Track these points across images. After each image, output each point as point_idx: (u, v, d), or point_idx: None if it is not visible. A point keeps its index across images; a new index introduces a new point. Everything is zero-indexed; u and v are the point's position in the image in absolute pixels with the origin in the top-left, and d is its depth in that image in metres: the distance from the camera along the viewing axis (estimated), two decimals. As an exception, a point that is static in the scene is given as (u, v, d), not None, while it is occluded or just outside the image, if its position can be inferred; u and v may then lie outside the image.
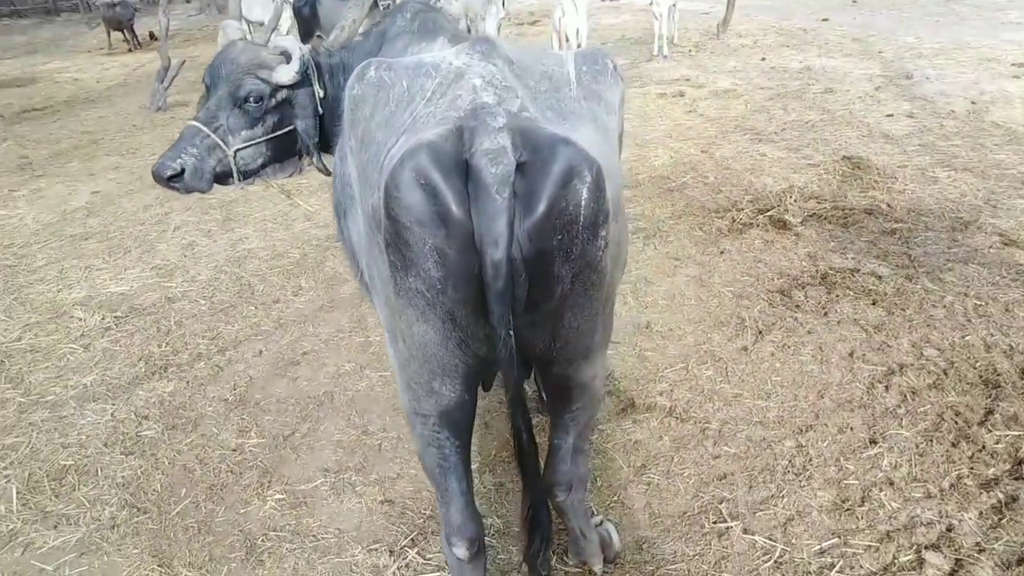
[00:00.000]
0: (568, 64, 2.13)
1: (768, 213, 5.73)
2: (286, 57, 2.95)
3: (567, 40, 10.36)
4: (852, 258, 4.95)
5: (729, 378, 3.83)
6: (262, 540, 3.03)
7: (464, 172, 1.70)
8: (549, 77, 2.04)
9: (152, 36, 18.92)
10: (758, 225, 5.58)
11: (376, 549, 2.94)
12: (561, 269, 1.82)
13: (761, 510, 2.99)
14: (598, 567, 2.71)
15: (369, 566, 2.87)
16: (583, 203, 1.75)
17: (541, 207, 1.71)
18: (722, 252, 5.24)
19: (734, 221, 5.67)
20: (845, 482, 3.09)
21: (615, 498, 3.13)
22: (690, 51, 12.46)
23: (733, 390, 3.73)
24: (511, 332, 1.76)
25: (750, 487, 3.12)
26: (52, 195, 7.44)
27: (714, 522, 2.95)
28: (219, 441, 3.64)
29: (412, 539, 2.98)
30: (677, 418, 3.55)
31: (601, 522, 2.91)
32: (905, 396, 3.55)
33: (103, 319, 4.82)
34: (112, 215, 6.73)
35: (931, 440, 3.26)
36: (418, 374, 2.00)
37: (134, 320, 4.81)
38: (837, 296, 4.50)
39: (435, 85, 1.96)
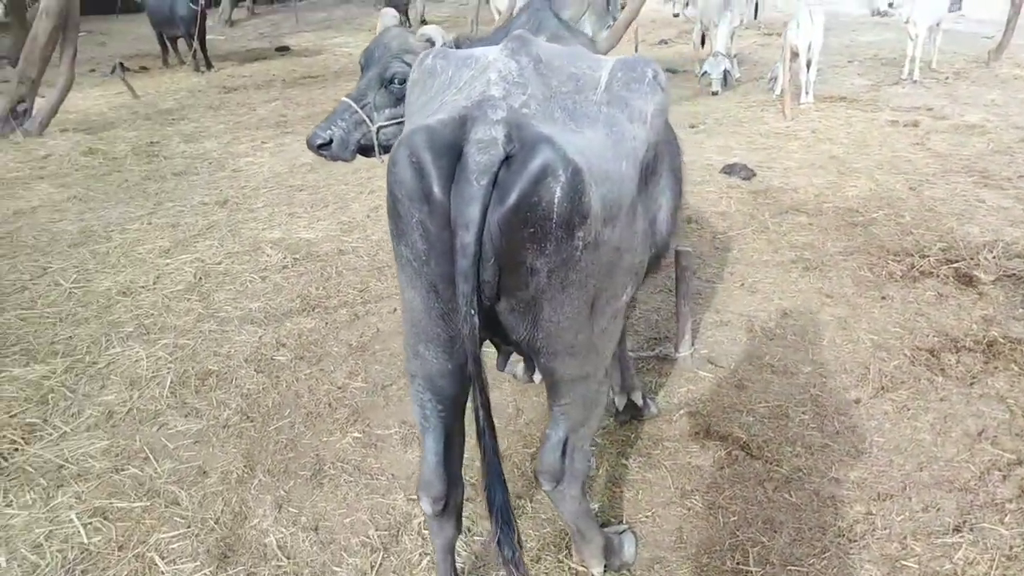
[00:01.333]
0: (602, 69, 2.19)
1: (956, 264, 5.10)
2: (430, 43, 3.26)
3: (795, 56, 9.80)
4: (1038, 331, 4.29)
5: (824, 427, 3.57)
6: (329, 467, 3.43)
7: (456, 157, 1.87)
8: (576, 79, 2.12)
9: (423, 21, 20.80)
10: (938, 276, 5.00)
11: (415, 499, 3.21)
12: (535, 262, 1.92)
13: (793, 566, 2.81)
14: (596, 570, 2.74)
15: (403, 513, 3.15)
16: (555, 201, 1.84)
17: (511, 199, 1.83)
18: (883, 298, 4.80)
19: (912, 267, 5.14)
20: (903, 562, 2.80)
21: (649, 514, 3.10)
22: (947, 78, 11.15)
23: (822, 440, 3.48)
24: (474, 311, 1.90)
25: (793, 541, 2.93)
26: (290, 150, 8.62)
27: (737, 563, 2.83)
28: (331, 378, 4.13)
29: (448, 500, 3.20)
30: (748, 454, 3.40)
31: (624, 531, 2.93)
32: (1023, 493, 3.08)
33: (284, 258, 5.60)
34: (326, 173, 7.66)
35: (1029, 545, 2.82)
36: (408, 336, 2.21)
37: (307, 263, 5.54)
38: (995, 368, 3.95)
39: (468, 76, 2.14)
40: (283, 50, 17.98)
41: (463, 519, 2.58)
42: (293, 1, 26.00)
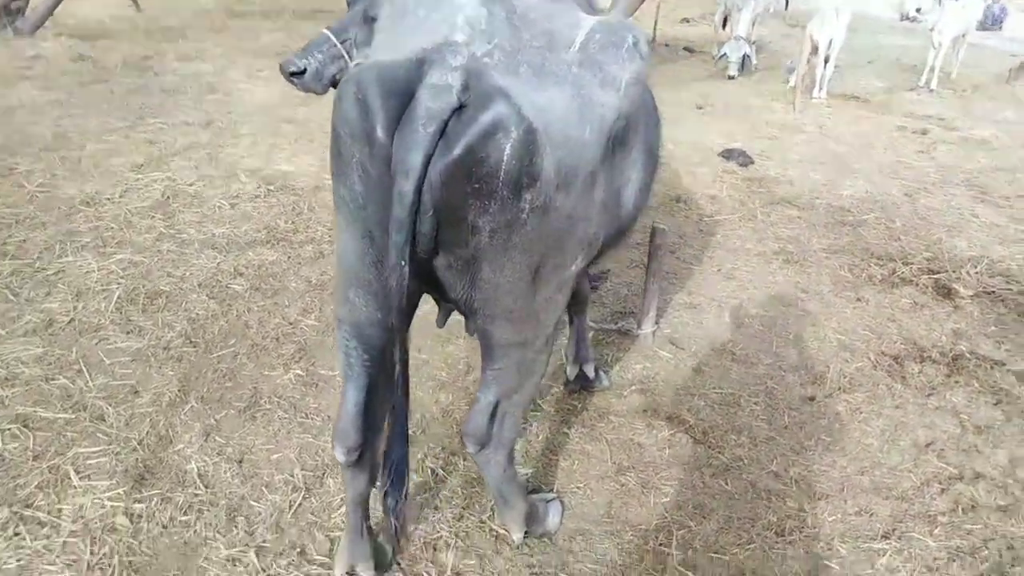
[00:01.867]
0: (581, 28, 2.04)
1: (937, 275, 5.00)
2: None
3: (815, 51, 9.57)
4: (1006, 351, 4.21)
5: (773, 420, 3.50)
6: (265, 401, 3.34)
7: (406, 100, 1.74)
8: (550, 35, 1.98)
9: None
10: (918, 284, 4.90)
11: (346, 444, 3.13)
12: (476, 219, 1.81)
13: (716, 553, 2.75)
14: (516, 536, 2.67)
15: (332, 455, 3.06)
16: (504, 159, 1.72)
17: (456, 151, 1.71)
18: (858, 299, 4.70)
19: (893, 272, 5.04)
20: (827, 563, 2.74)
21: (581, 485, 3.03)
22: (964, 91, 10.94)
23: (769, 432, 3.41)
24: (403, 262, 1.79)
25: (720, 529, 2.86)
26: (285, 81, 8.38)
27: (660, 544, 2.77)
28: (284, 312, 4.03)
29: (379, 448, 3.13)
30: (692, 438, 3.33)
31: (552, 499, 2.86)
32: (958, 508, 3.02)
33: (258, 187, 5.45)
34: (319, 108, 7.46)
35: (956, 561, 2.76)
36: (339, 280, 2.10)
37: (280, 195, 5.39)
38: (956, 382, 3.87)
39: (437, 16, 1.98)
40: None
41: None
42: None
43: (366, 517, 2.46)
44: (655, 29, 12.84)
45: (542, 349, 2.23)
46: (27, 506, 2.68)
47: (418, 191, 1.72)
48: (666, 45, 13.07)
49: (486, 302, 2.01)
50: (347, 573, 2.47)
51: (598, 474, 3.10)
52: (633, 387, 3.67)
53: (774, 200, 6.22)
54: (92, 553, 2.53)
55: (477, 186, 1.74)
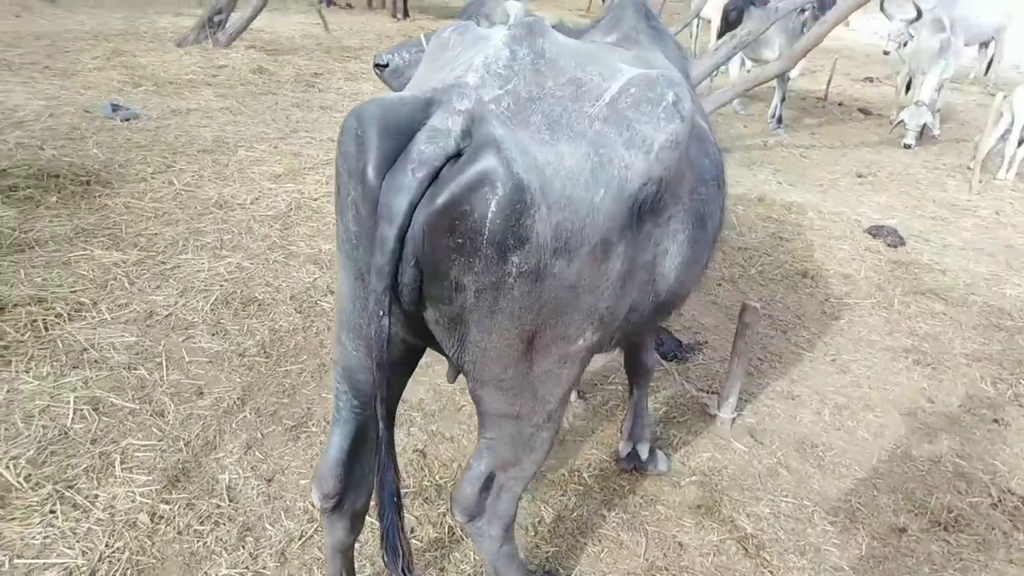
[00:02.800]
0: (616, 80, 1.88)
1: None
2: (505, 13, 3.12)
3: (1011, 126, 8.55)
4: None
5: (846, 549, 3.05)
6: (314, 424, 3.38)
7: (406, 141, 1.67)
8: (578, 84, 1.84)
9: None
10: None
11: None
12: (461, 276, 1.69)
13: None
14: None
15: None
16: (488, 215, 1.60)
17: (439, 200, 1.61)
18: (995, 421, 4.06)
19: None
20: None
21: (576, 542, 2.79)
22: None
23: (839, 562, 2.98)
24: (382, 312, 1.70)
25: (748, 663, 2.52)
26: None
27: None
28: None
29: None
30: (744, 549, 2.97)
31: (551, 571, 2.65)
32: None
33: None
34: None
35: None
36: (335, 321, 2.04)
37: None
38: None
39: (470, 56, 1.92)
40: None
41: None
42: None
43: (348, 569, 2.38)
44: (828, 86, 12.11)
45: (542, 425, 2.05)
46: (69, 487, 2.85)
47: (400, 239, 1.63)
48: (840, 104, 12.26)
49: (475, 365, 1.88)
50: (327, 622, 2.40)
51: (626, 569, 2.84)
52: (693, 477, 3.36)
53: (919, 289, 5.56)
54: (107, 546, 2.64)
55: (460, 241, 1.62)
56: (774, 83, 9.95)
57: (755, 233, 6.29)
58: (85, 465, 2.96)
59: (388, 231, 1.62)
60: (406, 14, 15.91)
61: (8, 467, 2.88)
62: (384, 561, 2.05)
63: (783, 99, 10.10)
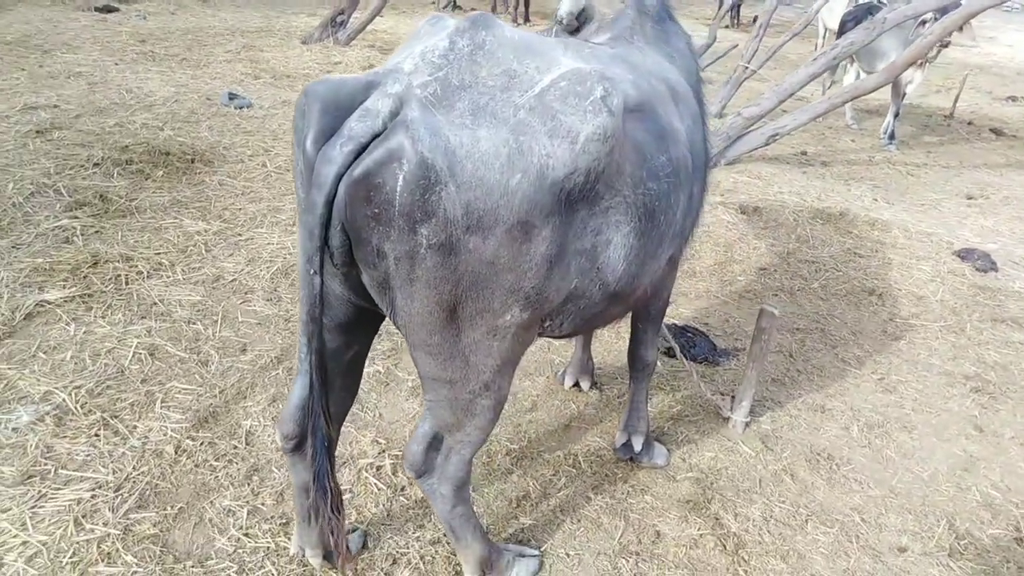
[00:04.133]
0: (549, 73, 1.99)
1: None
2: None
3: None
4: None
5: (834, 562, 2.98)
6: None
7: (345, 117, 1.88)
8: (512, 75, 1.96)
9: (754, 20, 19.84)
10: None
11: (384, 447, 3.32)
12: (380, 244, 1.87)
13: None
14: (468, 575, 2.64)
15: (360, 448, 3.28)
16: (397, 189, 1.77)
17: (356, 172, 1.80)
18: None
19: None
20: None
21: (571, 554, 2.88)
22: None
23: (824, 573, 2.92)
24: (315, 271, 1.91)
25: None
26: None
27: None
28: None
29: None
30: (722, 546, 2.97)
31: (531, 556, 2.78)
32: None
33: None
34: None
35: None
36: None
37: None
38: None
39: (422, 44, 2.09)
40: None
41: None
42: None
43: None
44: (955, 103, 11.35)
45: (479, 393, 2.19)
46: (114, 416, 3.26)
47: (328, 205, 1.83)
48: (969, 123, 11.45)
49: (405, 328, 2.05)
50: (300, 550, 2.64)
51: (597, 549, 2.92)
52: (690, 473, 3.37)
53: (999, 317, 5.20)
54: (134, 469, 3.01)
55: (376, 211, 1.81)
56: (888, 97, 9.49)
57: (829, 247, 6.08)
58: (132, 400, 3.37)
59: (318, 197, 1.83)
60: (527, 19, 16.28)
61: (70, 394, 3.33)
62: (316, 499, 2.25)
63: (897, 114, 9.61)
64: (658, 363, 4.21)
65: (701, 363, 4.29)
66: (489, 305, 2.00)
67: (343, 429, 2.97)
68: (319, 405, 2.10)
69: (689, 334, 4.48)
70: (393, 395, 3.69)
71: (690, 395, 3.95)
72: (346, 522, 2.64)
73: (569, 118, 1.91)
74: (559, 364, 4.08)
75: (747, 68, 9.65)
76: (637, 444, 3.32)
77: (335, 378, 2.36)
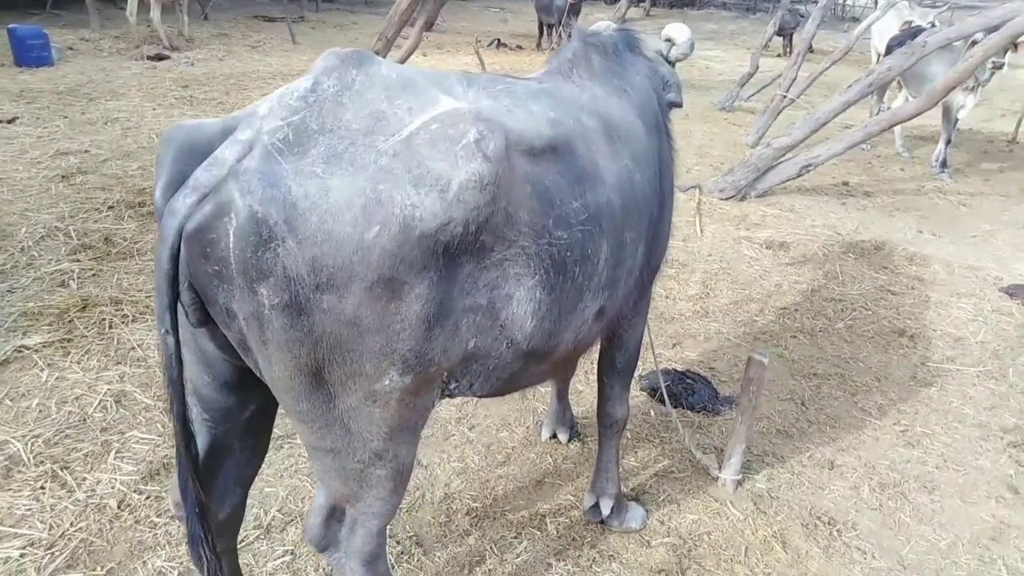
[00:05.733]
0: (422, 115, 1.80)
1: None
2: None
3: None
4: None
5: (820, 644, 2.63)
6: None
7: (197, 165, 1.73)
8: (379, 118, 1.76)
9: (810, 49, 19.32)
10: None
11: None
12: (228, 303, 1.69)
13: None
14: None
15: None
16: (229, 245, 1.60)
17: (190, 226, 1.63)
18: None
19: None
20: None
21: None
22: None
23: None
24: (167, 330, 1.74)
25: None
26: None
27: None
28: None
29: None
30: None
31: None
32: None
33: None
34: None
35: None
36: None
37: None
38: None
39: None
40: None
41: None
42: (688, 9, 26.14)
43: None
44: (1017, 128, 10.67)
45: (370, 463, 1.97)
46: (65, 467, 3.18)
47: (172, 260, 1.67)
48: (1038, 148, 10.76)
49: (276, 394, 1.88)
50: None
51: None
52: (667, 539, 3.07)
53: (1048, 361, 4.70)
54: (71, 525, 2.90)
55: (217, 268, 1.64)
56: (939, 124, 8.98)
57: (859, 284, 5.67)
58: (87, 450, 3.29)
59: (162, 251, 1.66)
60: (568, 53, 16.24)
61: (27, 444, 3.28)
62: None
63: (948, 141, 9.05)
64: (650, 412, 3.94)
65: (699, 412, 3.98)
66: (360, 369, 1.79)
67: (265, 489, 2.80)
68: (185, 470, 1.92)
69: (689, 380, 4.17)
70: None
71: (680, 448, 3.65)
72: None
73: (438, 164, 1.71)
74: (543, 413, 3.84)
75: (785, 97, 9.30)
76: (605, 508, 3.04)
77: (232, 440, 2.19)
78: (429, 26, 17.17)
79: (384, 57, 10.88)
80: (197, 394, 2.08)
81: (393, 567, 2.85)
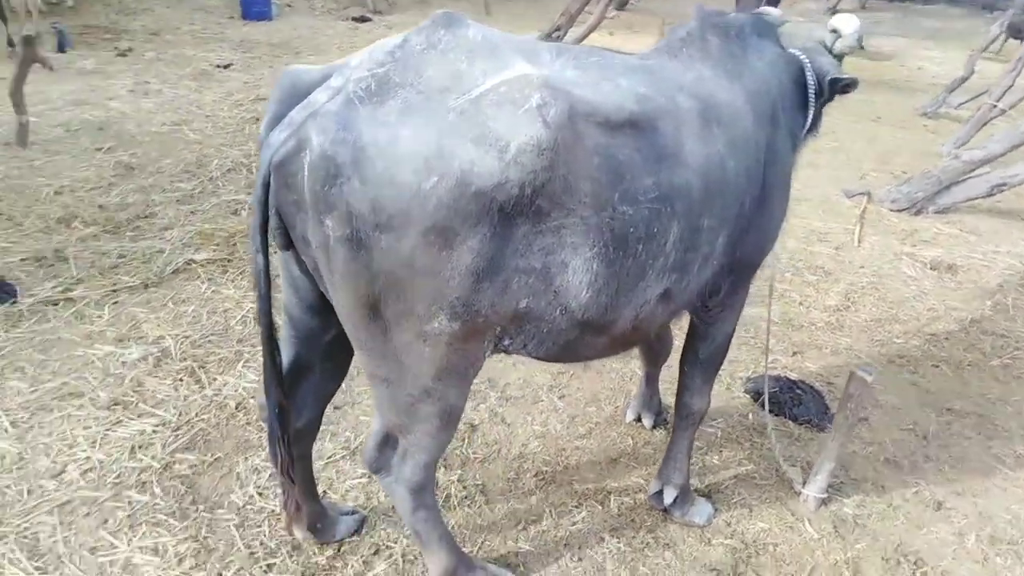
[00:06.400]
0: (494, 77, 1.87)
1: None
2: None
3: None
4: None
5: None
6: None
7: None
8: (458, 77, 1.85)
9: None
10: None
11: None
12: (304, 231, 1.91)
13: None
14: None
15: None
16: (304, 177, 1.81)
17: (276, 158, 1.84)
18: None
19: None
20: None
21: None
22: None
23: None
24: (258, 249, 1.99)
25: None
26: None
27: None
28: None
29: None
30: None
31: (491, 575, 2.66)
32: None
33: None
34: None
35: None
36: None
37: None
38: None
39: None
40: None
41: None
42: (910, 3, 23.86)
43: (303, 480, 2.67)
44: None
45: (419, 398, 2.13)
46: (202, 366, 3.65)
47: (264, 186, 1.90)
48: None
49: (341, 320, 2.07)
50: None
51: (587, 591, 2.72)
52: (729, 540, 3.00)
53: None
54: (196, 415, 3.35)
55: (295, 198, 1.85)
56: None
57: (1031, 321, 5.06)
58: (222, 355, 3.76)
59: (258, 178, 1.91)
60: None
61: (177, 342, 3.80)
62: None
63: None
64: (749, 415, 3.82)
65: (802, 424, 3.79)
66: (412, 308, 1.94)
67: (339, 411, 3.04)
68: (270, 376, 2.19)
69: (799, 390, 3.98)
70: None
71: (769, 456, 3.52)
72: (316, 491, 2.75)
73: (500, 125, 1.80)
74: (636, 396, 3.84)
75: (995, 106, 8.34)
76: (668, 496, 3.03)
77: (314, 359, 2.44)
78: (622, 5, 17.09)
79: (565, 33, 11.01)
80: (287, 312, 2.35)
81: (455, 508, 3.03)
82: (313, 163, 1.77)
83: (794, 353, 4.45)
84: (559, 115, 1.84)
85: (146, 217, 5.07)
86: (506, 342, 2.18)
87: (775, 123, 2.63)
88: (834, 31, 2.93)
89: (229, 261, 4.59)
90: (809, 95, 2.81)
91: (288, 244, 2.04)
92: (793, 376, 4.14)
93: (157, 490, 2.94)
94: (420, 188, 1.78)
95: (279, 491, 2.58)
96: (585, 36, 11.05)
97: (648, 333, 2.52)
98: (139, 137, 6.48)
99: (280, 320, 2.41)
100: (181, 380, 3.56)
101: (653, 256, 2.15)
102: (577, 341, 2.25)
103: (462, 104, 1.83)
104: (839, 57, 2.97)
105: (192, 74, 8.56)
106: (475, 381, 3.71)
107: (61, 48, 8.81)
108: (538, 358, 2.36)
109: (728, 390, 4.02)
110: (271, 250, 2.01)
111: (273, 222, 1.98)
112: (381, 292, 1.92)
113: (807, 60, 2.86)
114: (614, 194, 2.01)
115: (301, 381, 2.47)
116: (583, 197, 1.96)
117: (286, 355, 2.42)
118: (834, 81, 2.78)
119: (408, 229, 1.82)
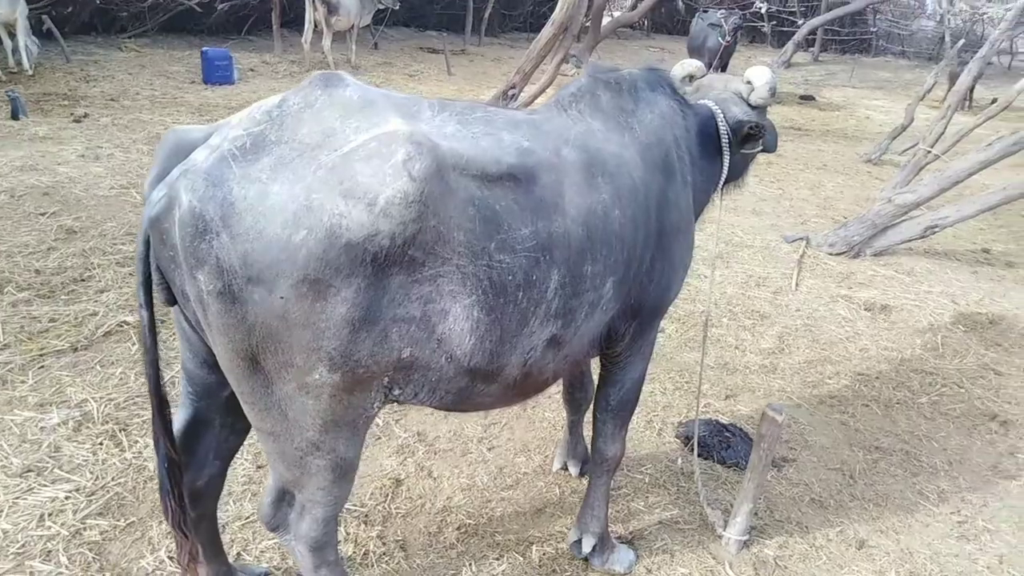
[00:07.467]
0: (364, 133, 1.94)
1: None
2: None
3: None
4: None
5: None
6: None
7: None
8: (330, 135, 1.93)
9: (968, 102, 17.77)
10: None
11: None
12: (182, 286, 1.94)
13: None
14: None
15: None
16: (174, 233, 1.85)
17: (151, 214, 1.89)
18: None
19: None
20: None
21: (468, 646, 2.67)
22: None
23: None
24: (141, 304, 2.03)
25: None
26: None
27: None
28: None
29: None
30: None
31: None
32: None
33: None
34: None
35: None
36: None
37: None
38: None
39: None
40: (807, 99, 17.49)
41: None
42: (860, 56, 24.88)
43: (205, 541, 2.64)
44: None
45: (309, 452, 2.13)
46: (123, 429, 3.61)
47: (145, 242, 1.94)
48: None
49: (224, 372, 2.08)
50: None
51: None
52: (648, 588, 3.00)
53: None
54: (113, 479, 3.30)
55: (171, 254, 1.88)
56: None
57: (960, 359, 5.18)
58: (146, 417, 3.72)
59: (140, 235, 1.96)
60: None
61: (101, 405, 3.76)
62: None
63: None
64: (677, 459, 3.85)
65: (731, 467, 3.83)
66: (291, 360, 1.97)
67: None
68: (158, 428, 2.19)
69: (728, 433, 4.02)
70: (378, 449, 3.71)
71: (694, 500, 3.53)
72: (223, 552, 2.70)
73: (368, 179, 1.86)
74: (567, 445, 3.86)
75: (929, 152, 8.65)
76: (587, 545, 3.02)
77: (213, 415, 2.43)
78: (578, 64, 17.46)
79: (520, 91, 11.28)
80: (184, 367, 2.36)
81: (373, 564, 3.00)
82: (183, 219, 1.81)
83: (727, 396, 4.50)
84: (425, 168, 1.91)
85: (83, 280, 5.05)
86: (396, 392, 2.20)
87: (669, 172, 2.72)
88: (748, 83, 3.07)
89: (162, 322, 4.57)
90: (722, 143, 2.94)
91: (172, 299, 2.06)
92: (724, 420, 4.19)
93: (63, 558, 2.88)
94: (290, 241, 1.83)
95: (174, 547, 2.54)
96: (539, 94, 11.36)
97: (543, 381, 2.55)
98: (85, 201, 6.49)
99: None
100: (101, 444, 3.51)
101: (535, 303, 2.21)
102: (469, 389, 2.28)
103: (333, 160, 1.90)
104: (760, 108, 3.11)
105: (145, 138, 8.63)
106: (403, 435, 3.78)
107: (15, 115, 8.86)
108: (435, 407, 2.38)
109: (659, 435, 4.05)
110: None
111: (155, 277, 2.02)
112: (258, 344, 1.94)
113: (719, 110, 3.00)
114: (490, 243, 2.07)
115: (200, 437, 2.46)
116: (457, 246, 2.02)
117: (184, 411, 2.42)
118: (738, 126, 2.91)
119: (279, 281, 1.86)
